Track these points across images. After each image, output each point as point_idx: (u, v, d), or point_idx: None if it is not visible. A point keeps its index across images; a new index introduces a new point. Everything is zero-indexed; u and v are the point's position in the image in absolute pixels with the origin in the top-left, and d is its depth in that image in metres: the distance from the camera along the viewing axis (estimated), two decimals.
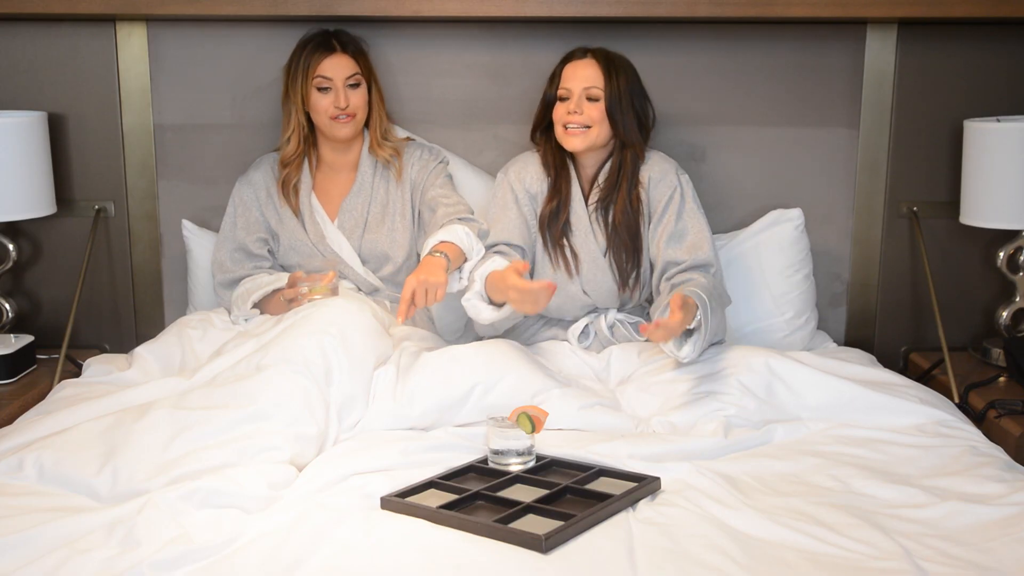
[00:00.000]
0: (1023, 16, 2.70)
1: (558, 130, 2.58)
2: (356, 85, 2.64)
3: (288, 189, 2.69)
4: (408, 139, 2.82)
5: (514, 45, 2.90)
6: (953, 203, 2.91)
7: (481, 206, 2.80)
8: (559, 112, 2.57)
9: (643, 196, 2.59)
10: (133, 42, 2.87)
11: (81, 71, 2.89)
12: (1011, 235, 2.84)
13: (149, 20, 2.85)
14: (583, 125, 2.54)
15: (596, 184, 2.62)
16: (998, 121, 2.74)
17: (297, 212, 2.70)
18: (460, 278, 2.53)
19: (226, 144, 2.93)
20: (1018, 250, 2.86)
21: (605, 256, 2.61)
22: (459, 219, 2.57)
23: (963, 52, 2.91)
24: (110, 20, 2.85)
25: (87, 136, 2.92)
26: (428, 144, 2.81)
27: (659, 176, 2.60)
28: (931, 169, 2.96)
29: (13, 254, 2.88)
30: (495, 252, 2.57)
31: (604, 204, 2.61)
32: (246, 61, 2.89)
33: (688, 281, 2.47)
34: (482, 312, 2.48)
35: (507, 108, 2.92)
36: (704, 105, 2.92)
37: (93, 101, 2.90)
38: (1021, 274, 2.87)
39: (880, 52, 2.89)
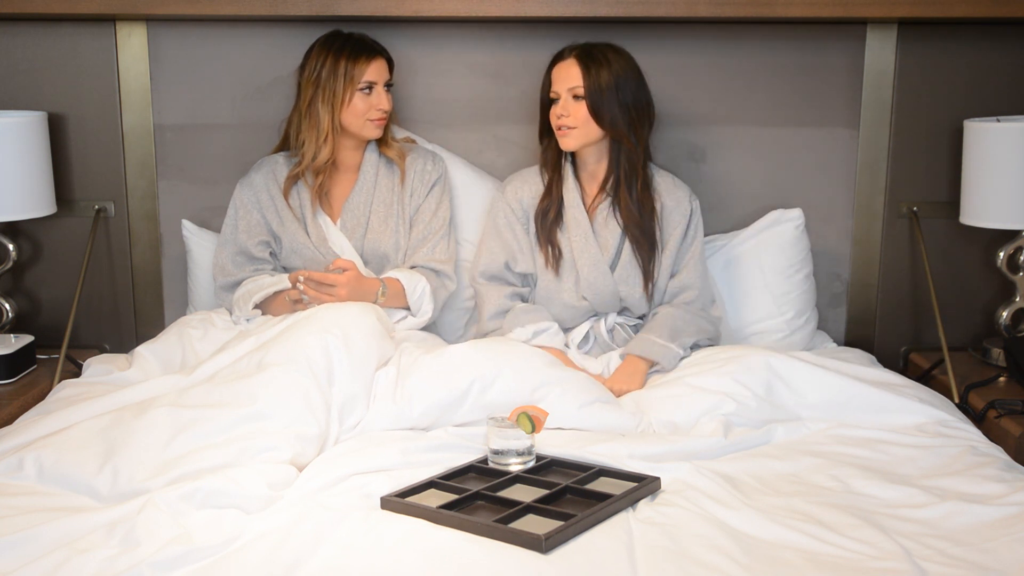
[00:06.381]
0: (1023, 16, 2.70)
1: (555, 132, 2.61)
2: (390, 86, 2.67)
3: (322, 195, 2.68)
4: (408, 140, 2.83)
5: (514, 45, 2.90)
6: (953, 203, 2.91)
7: (479, 206, 2.81)
8: (552, 115, 2.60)
9: (657, 212, 2.63)
10: (133, 42, 2.87)
11: (81, 71, 2.89)
12: (1011, 235, 2.84)
13: (149, 20, 2.85)
14: (570, 126, 2.56)
15: (604, 190, 2.64)
16: (998, 121, 2.74)
17: (302, 215, 2.69)
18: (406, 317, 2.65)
19: (226, 144, 2.92)
20: (1018, 250, 2.86)
21: (609, 263, 2.62)
22: (434, 271, 2.67)
23: (963, 52, 2.91)
24: (110, 20, 2.85)
25: (87, 136, 2.92)
26: (431, 150, 2.80)
27: (673, 204, 2.64)
28: (931, 169, 2.96)
29: (13, 254, 2.87)
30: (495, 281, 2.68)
31: (614, 205, 2.62)
32: (246, 61, 2.89)
33: (654, 316, 2.60)
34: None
35: (507, 108, 2.92)
36: (704, 105, 2.92)
37: (93, 101, 2.90)
38: (1021, 274, 2.87)
39: (880, 52, 2.89)
